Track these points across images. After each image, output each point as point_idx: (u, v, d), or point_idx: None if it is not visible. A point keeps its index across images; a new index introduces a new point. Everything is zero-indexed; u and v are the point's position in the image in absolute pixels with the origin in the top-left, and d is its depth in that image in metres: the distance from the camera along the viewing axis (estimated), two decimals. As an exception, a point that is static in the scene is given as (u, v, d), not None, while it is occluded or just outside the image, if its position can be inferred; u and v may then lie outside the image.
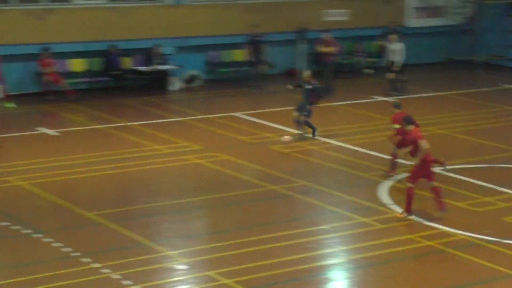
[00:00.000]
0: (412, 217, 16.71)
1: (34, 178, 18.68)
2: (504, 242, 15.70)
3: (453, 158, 20.94)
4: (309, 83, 22.59)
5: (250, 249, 15.15)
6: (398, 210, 17.10)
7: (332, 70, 28.21)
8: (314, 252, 15.26)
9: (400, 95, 25.85)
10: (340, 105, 26.82)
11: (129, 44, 27.97)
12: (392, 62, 27.91)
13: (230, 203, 17.51)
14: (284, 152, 21.01)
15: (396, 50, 28.01)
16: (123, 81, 27.59)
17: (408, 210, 16.72)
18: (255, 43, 28.75)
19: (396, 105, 19.09)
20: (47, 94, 26.08)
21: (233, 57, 30.23)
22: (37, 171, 19.21)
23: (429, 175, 16.70)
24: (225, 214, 17.01)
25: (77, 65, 27.30)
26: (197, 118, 24.42)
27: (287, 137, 21.66)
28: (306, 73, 23.26)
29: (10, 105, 25.29)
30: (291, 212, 16.99)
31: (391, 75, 27.90)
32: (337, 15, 32.20)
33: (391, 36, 28.31)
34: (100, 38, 27.42)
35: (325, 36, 28.86)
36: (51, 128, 22.89)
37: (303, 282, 14.00)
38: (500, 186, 18.78)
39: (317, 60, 28.78)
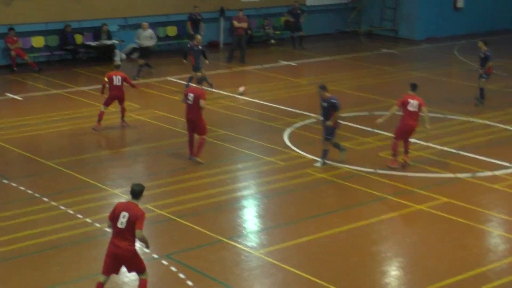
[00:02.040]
0: (311, 155, 16.95)
1: (2, 135, 18.33)
2: (379, 172, 16.06)
3: (342, 109, 21.17)
4: (197, 46, 22.43)
5: (181, 185, 15.23)
6: (297, 150, 17.31)
7: (245, 41, 28.05)
8: (231, 186, 15.41)
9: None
10: (253, 69, 26.83)
11: (81, 24, 27.44)
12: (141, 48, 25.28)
13: (164, 150, 17.47)
14: (209, 108, 20.98)
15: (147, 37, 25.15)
16: (76, 54, 27.06)
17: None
18: (194, 20, 28.48)
19: None
20: (13, 66, 25.49)
21: (167, 33, 29.89)
22: (5, 129, 18.85)
23: None
24: (160, 159, 16.94)
25: (38, 41, 26.65)
26: (138, 83, 24.13)
27: (242, 88, 21.24)
28: (198, 37, 23.00)
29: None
30: (213, 155, 17.02)
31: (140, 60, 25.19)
32: (250, -4, 32.02)
33: (143, 23, 25.60)
34: (57, 19, 26.82)
35: (239, 14, 28.69)
36: (17, 94, 22.43)
37: (223, 210, 14.17)
38: (376, 129, 19.11)
39: (233, 34, 28.58)
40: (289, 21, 31.05)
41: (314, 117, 20.11)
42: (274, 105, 21.64)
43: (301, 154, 17.19)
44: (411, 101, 15.95)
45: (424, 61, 28.90)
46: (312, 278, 11.50)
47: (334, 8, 34.43)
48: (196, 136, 16.49)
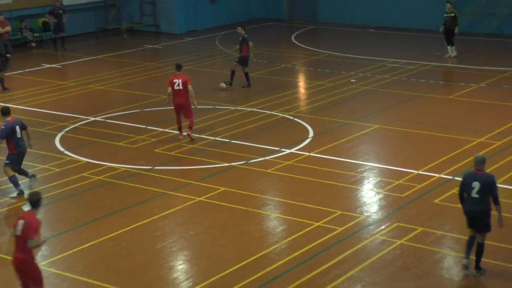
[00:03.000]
0: (84, 158, 16.59)
1: None
2: (156, 168, 16.11)
3: (111, 108, 21.00)
4: None
5: None
6: (71, 155, 16.86)
7: (10, 47, 26.50)
8: (2, 199, 14.65)
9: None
10: (14, 74, 25.60)
11: None
12: None
13: None
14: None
15: None
16: None
17: None
18: None
19: None
20: None
21: None
22: None
23: None
24: None
25: None
26: None
27: (223, 84, 22.54)
28: None
29: None
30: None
31: None
32: (3, -1, 30.56)
33: None
34: None
35: (0, 17, 27.16)
36: None
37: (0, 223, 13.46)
38: (148, 125, 19.13)
39: None
40: (51, 22, 30.04)
41: (84, 118, 19.72)
42: (41, 110, 20.88)
43: (75, 158, 16.77)
44: (176, 80, 17.64)
45: (188, 54, 29.36)
46: (98, 283, 11.32)
47: (92, 6, 33.86)
48: None
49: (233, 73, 23.11)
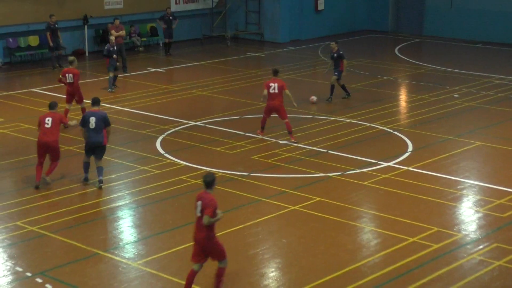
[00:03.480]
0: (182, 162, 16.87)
1: None
2: (252, 175, 16.20)
3: (212, 114, 21.28)
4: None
5: (52, 199, 14.75)
6: (171, 157, 17.18)
7: (124, 50, 27.27)
8: (105, 197, 15.08)
9: None
10: (121, 77, 26.27)
11: None
12: None
13: (32, 164, 16.80)
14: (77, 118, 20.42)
15: None
16: None
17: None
18: (51, 30, 27.66)
19: None
20: None
21: (29, 43, 28.91)
22: None
23: None
24: (28, 173, 16.31)
25: None
26: (0, 95, 23.28)
27: (313, 98, 22.60)
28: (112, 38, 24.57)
29: None
30: (79, 167, 16.48)
31: None
32: (115, 4, 31.52)
33: None
34: None
35: (116, 22, 28.09)
36: None
37: (98, 222, 13.85)
38: (248, 132, 19.30)
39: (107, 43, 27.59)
40: (162, 28, 30.83)
41: (185, 122, 20.09)
42: (144, 112, 21.38)
43: (175, 161, 17.06)
44: (272, 84, 18.23)
45: (290, 63, 29.44)
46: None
47: (199, 13, 34.50)
48: None
49: (332, 87, 22.88)
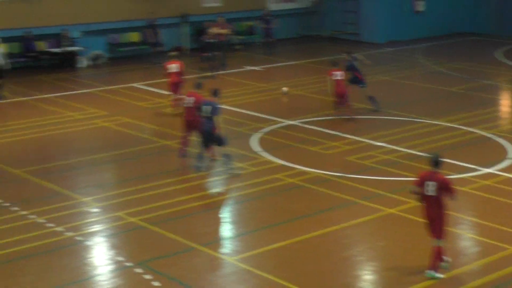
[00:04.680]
0: (278, 160, 16.98)
1: (-33, 144, 18.03)
2: (347, 176, 16.14)
3: (309, 113, 21.32)
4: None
5: (152, 192, 15.10)
6: (267, 156, 17.31)
7: (225, 48, 27.71)
8: (202, 192, 15.36)
9: None
10: (217, 74, 26.69)
11: (43, 30, 27.15)
12: None
13: (132, 157, 17.36)
14: (175, 113, 20.87)
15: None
16: (39, 61, 26.75)
17: None
18: (152, 27, 28.37)
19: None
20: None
21: (130, 39, 29.74)
22: (-30, 138, 18.54)
23: None
24: (129, 165, 16.84)
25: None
26: (102, 89, 24.01)
27: (285, 89, 23.53)
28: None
29: None
30: (180, 162, 16.91)
31: None
32: (213, 2, 31.99)
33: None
34: (17, 26, 26.50)
35: (219, 19, 28.61)
36: (-21, 102, 22.05)
37: (196, 216, 14.09)
38: (343, 133, 19.25)
39: (210, 40, 28.08)
40: (261, 27, 31.14)
41: (280, 121, 20.20)
42: (241, 110, 21.61)
43: (270, 159, 17.19)
44: (337, 73, 20.37)
45: (387, 64, 29.16)
46: (286, 283, 11.47)
47: (296, 12, 34.60)
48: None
49: (371, 98, 22.23)
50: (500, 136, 19.16)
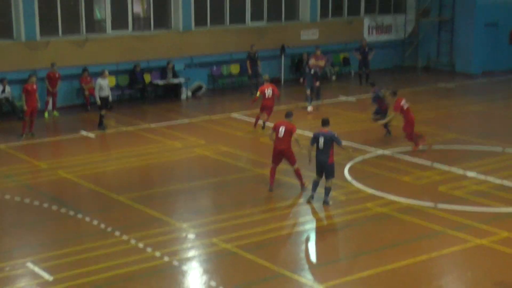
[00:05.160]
0: (369, 189, 16.77)
1: (77, 171, 18.62)
2: (438, 207, 15.77)
3: (400, 143, 20.98)
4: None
5: (246, 220, 15.18)
6: (357, 185, 17.14)
7: (319, 78, 27.68)
8: (293, 220, 15.36)
9: None
10: (314, 103, 26.67)
11: (149, 63, 27.95)
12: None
13: (228, 185, 17.55)
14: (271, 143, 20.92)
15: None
16: (145, 92, 27.51)
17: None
18: (252, 59, 28.79)
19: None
20: (87, 105, 26.02)
21: (231, 70, 30.19)
22: (79, 166, 19.12)
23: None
24: (225, 193, 17.03)
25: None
26: (203, 119, 24.43)
27: (310, 108, 24.23)
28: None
29: (56, 114, 25.28)
30: (276, 190, 16.95)
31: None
32: (310, 35, 32.14)
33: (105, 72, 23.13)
34: (127, 59, 27.38)
35: (317, 52, 28.82)
36: (90, 131, 22.80)
37: (286, 243, 14.09)
38: (434, 162, 18.84)
39: (307, 71, 28.19)
40: (357, 58, 31.06)
41: (371, 150, 19.97)
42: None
43: (361, 188, 17.01)
44: (404, 103, 20.20)
45: (481, 94, 28.41)
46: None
47: (391, 44, 34.30)
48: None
49: (385, 126, 21.67)
50: None
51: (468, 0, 32.76)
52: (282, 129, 16.45)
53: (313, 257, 13.62)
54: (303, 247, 14.09)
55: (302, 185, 16.73)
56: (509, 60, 33.49)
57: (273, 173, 16.75)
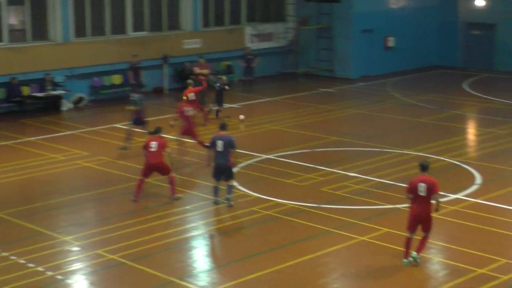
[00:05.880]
0: (254, 193, 16.90)
1: (-48, 189, 17.78)
2: (322, 207, 16.09)
3: (284, 147, 21.30)
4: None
5: (131, 229, 14.94)
6: (243, 189, 17.24)
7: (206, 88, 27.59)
8: (180, 227, 15.23)
9: None
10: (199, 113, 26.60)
11: (27, 76, 27.09)
12: None
13: (113, 196, 17.22)
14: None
15: None
16: (23, 105, 26.62)
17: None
18: (134, 69, 28.43)
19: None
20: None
21: (112, 81, 29.69)
22: (-45, 182, 18.28)
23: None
24: (110, 204, 16.68)
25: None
26: (85, 131, 23.87)
27: (242, 116, 24.02)
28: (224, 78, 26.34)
29: None
30: (161, 198, 16.80)
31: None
32: (193, 44, 32.13)
33: None
34: (3, 73, 26.43)
35: (200, 60, 28.76)
36: (-34, 147, 21.80)
37: (174, 251, 13.95)
38: (317, 165, 19.24)
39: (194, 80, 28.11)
40: (242, 66, 31.30)
41: (257, 156, 20.17)
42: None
43: (246, 192, 17.11)
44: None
45: (360, 98, 29.30)
46: (262, 313, 11.37)
47: (274, 51, 34.79)
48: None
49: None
50: (467, 163, 19.22)
51: (345, 8, 33.76)
52: (154, 144, 16.40)
53: (201, 263, 13.56)
54: (191, 253, 14.01)
55: (173, 194, 16.60)
56: (384, 65, 34.73)
57: (141, 184, 16.61)
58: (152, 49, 30.46)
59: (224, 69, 33.07)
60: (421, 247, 12.98)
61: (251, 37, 34.23)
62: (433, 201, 12.76)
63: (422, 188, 12.65)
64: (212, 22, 33.26)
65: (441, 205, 13.10)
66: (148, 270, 12.90)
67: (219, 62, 33.03)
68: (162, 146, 16.52)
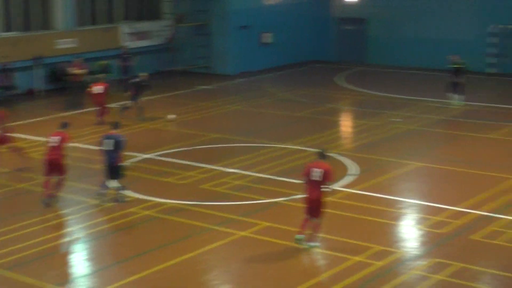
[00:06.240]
0: (133, 194, 16.71)
1: None
2: (201, 204, 16.11)
3: (163, 145, 21.15)
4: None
5: (3, 237, 14.38)
6: (126, 192, 17.00)
7: (81, 87, 26.96)
8: (57, 232, 14.81)
9: None
10: (73, 114, 26.00)
11: None
12: None
13: (-15, 202, 16.53)
14: (36, 157, 20.01)
15: None
16: None
17: None
18: (4, 71, 27.36)
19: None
20: None
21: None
22: None
23: None
24: (-18, 212, 16.00)
25: None
26: None
27: (171, 116, 24.05)
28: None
29: None
30: (34, 204, 16.25)
31: None
32: (67, 43, 31.30)
33: None
34: None
35: (76, 60, 28.01)
36: None
37: (51, 257, 13.55)
38: (197, 162, 19.24)
39: (67, 80, 27.46)
40: (120, 65, 30.80)
41: (136, 155, 19.94)
42: (95, 147, 21.04)
43: (125, 194, 16.85)
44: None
45: (238, 94, 29.52)
46: (144, 314, 11.25)
47: (152, 49, 34.46)
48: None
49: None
50: (341, 155, 19.78)
51: (221, 5, 33.93)
52: (57, 139, 15.96)
53: (80, 267, 13.23)
54: (69, 258, 13.65)
55: (53, 196, 16.19)
56: (261, 60, 35.18)
57: (48, 185, 16.06)
58: (23, 49, 29.45)
59: (101, 69, 32.41)
60: (312, 236, 13.46)
61: (127, 35, 33.77)
62: (325, 188, 13.15)
63: (315, 173, 13.16)
64: (87, 21, 32.57)
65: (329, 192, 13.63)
66: (24, 278, 12.48)
67: (96, 62, 32.36)
68: (63, 140, 16.10)
